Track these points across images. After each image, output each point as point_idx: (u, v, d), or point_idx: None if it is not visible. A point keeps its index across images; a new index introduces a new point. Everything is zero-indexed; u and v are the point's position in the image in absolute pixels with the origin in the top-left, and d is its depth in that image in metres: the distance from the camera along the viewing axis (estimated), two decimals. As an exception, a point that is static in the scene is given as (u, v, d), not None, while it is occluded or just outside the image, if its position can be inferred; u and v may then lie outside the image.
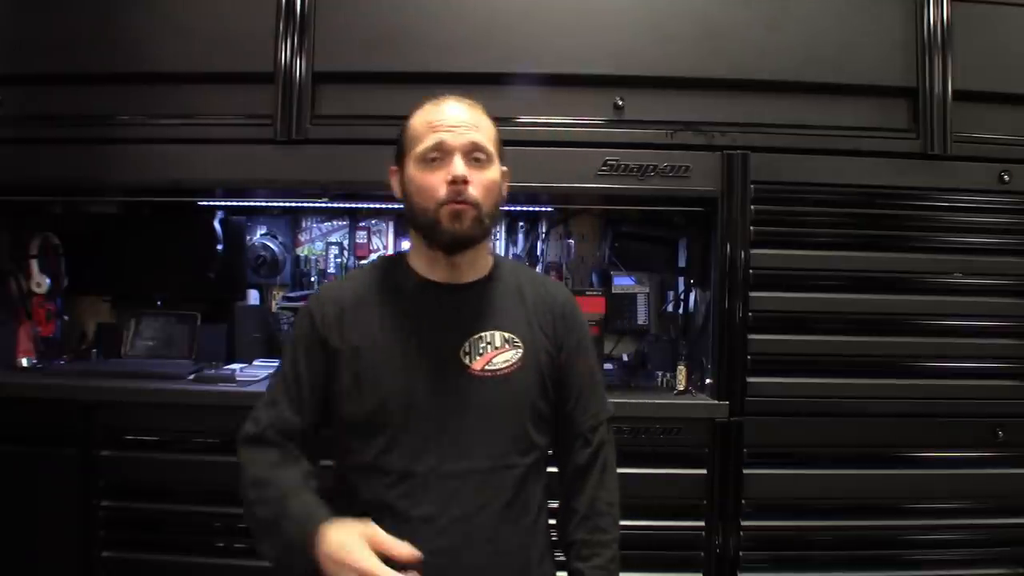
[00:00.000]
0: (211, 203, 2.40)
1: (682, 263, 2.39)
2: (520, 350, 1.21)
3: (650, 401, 2.05)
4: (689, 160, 2.04)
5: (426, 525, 1.14)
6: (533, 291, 1.28)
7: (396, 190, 1.26)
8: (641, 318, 2.42)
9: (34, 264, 2.33)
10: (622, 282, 2.42)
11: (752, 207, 2.04)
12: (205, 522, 1.99)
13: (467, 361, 1.19)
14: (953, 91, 2.07)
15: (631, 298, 2.42)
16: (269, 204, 2.45)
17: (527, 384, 1.21)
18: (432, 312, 1.22)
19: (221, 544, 1.99)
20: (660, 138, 2.05)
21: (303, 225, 2.57)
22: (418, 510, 1.15)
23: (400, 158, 1.23)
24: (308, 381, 1.21)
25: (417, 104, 1.24)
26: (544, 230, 2.52)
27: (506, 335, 1.21)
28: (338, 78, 2.07)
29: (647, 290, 2.42)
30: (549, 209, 2.47)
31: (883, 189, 2.07)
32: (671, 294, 2.45)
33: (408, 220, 1.24)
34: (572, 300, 1.32)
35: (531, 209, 2.47)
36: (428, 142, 1.17)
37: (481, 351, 1.20)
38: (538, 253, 2.51)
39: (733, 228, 2.04)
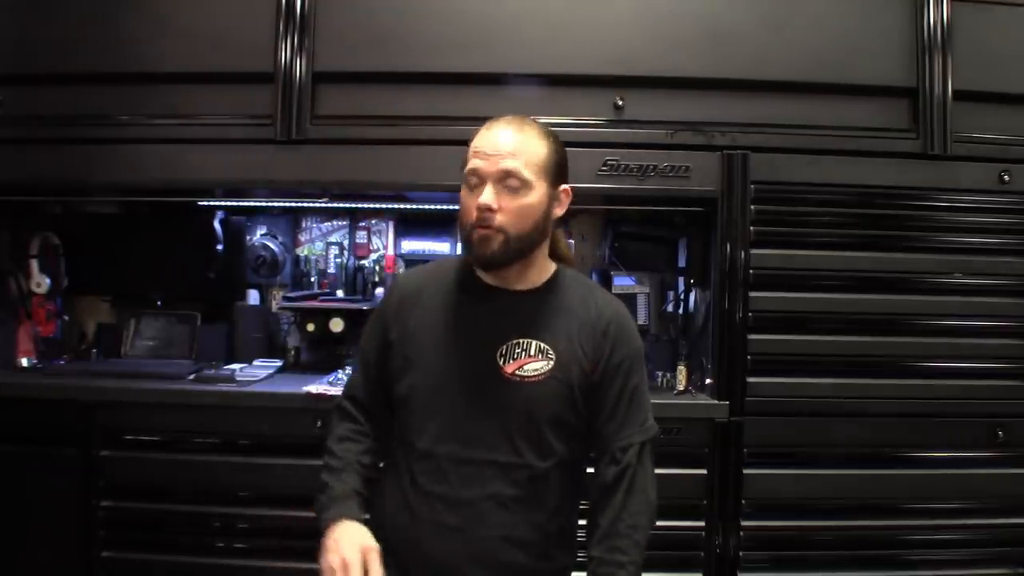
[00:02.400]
0: (211, 203, 2.40)
1: (682, 263, 2.39)
2: (552, 361, 1.26)
3: (650, 401, 2.04)
4: (689, 160, 2.04)
5: (441, 502, 1.24)
6: (583, 306, 1.31)
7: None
8: (641, 318, 2.41)
9: (34, 264, 2.33)
10: (622, 282, 2.42)
11: (752, 207, 2.04)
12: (205, 522, 1.99)
13: (501, 363, 1.26)
14: (953, 91, 2.07)
15: (631, 298, 2.41)
16: (269, 204, 2.46)
17: (553, 394, 1.25)
18: (479, 312, 1.30)
19: (221, 544, 1.99)
20: (660, 138, 2.05)
21: (303, 225, 2.57)
22: (436, 488, 1.24)
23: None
24: (374, 360, 1.35)
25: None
26: (544, 230, 2.52)
27: (542, 345, 1.27)
28: (338, 78, 2.07)
29: (647, 290, 2.42)
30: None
31: (883, 189, 2.07)
32: (671, 294, 2.45)
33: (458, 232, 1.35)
34: (620, 319, 1.33)
35: (531, 209, 2.46)
36: (469, 167, 1.25)
37: (516, 356, 1.26)
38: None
39: (733, 228, 2.04)
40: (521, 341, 1.27)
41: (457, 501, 1.23)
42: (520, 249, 1.25)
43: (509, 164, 1.21)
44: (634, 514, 1.27)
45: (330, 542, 1.19)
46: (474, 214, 1.22)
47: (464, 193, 1.26)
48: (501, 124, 1.26)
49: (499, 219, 1.21)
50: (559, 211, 1.31)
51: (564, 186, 1.31)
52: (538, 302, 1.31)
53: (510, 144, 1.23)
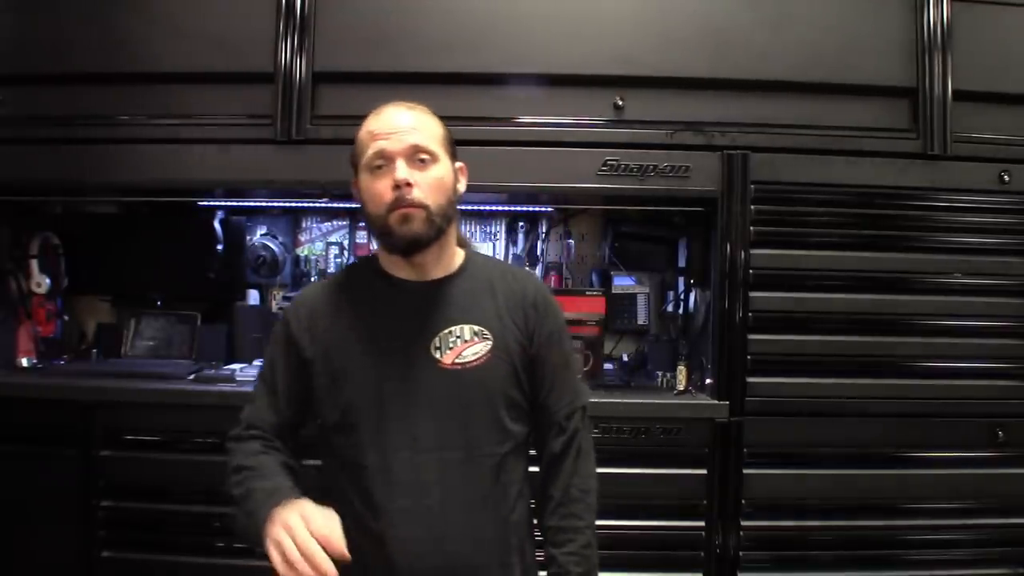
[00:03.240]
0: (211, 203, 2.40)
1: (682, 263, 2.39)
2: (489, 342, 1.24)
3: (650, 401, 2.05)
4: (689, 160, 2.04)
5: (405, 516, 1.18)
6: (503, 283, 1.30)
7: (357, 200, 1.29)
8: (641, 318, 2.42)
9: (34, 264, 2.33)
10: (622, 282, 2.42)
11: (752, 207, 2.04)
12: (205, 522, 1.99)
13: (437, 356, 1.22)
14: (953, 91, 2.07)
15: (631, 298, 2.42)
16: (269, 204, 2.45)
17: (498, 375, 1.24)
18: (401, 310, 1.25)
19: (221, 544, 1.99)
20: (660, 138, 2.05)
21: (303, 225, 2.57)
22: (396, 502, 1.18)
23: (355, 170, 1.27)
24: (284, 384, 1.27)
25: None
26: (544, 230, 2.52)
27: (475, 328, 1.24)
28: (338, 78, 2.07)
29: (647, 290, 2.42)
30: (549, 209, 2.47)
31: (883, 189, 2.07)
32: (671, 294, 2.45)
33: (368, 228, 1.26)
34: (543, 290, 1.34)
35: (531, 209, 2.47)
36: (371, 151, 1.21)
37: (451, 345, 1.22)
38: (538, 253, 2.51)
39: (733, 228, 2.04)
40: (454, 329, 1.23)
41: (422, 511, 1.18)
42: (440, 226, 1.22)
43: (415, 138, 1.20)
44: (584, 477, 1.28)
45: (279, 530, 1.03)
46: (388, 196, 1.18)
47: (368, 181, 1.22)
48: (391, 107, 1.25)
49: (417, 193, 1.18)
50: (462, 187, 1.30)
51: (460, 163, 1.30)
52: (459, 286, 1.28)
53: (410, 121, 1.22)
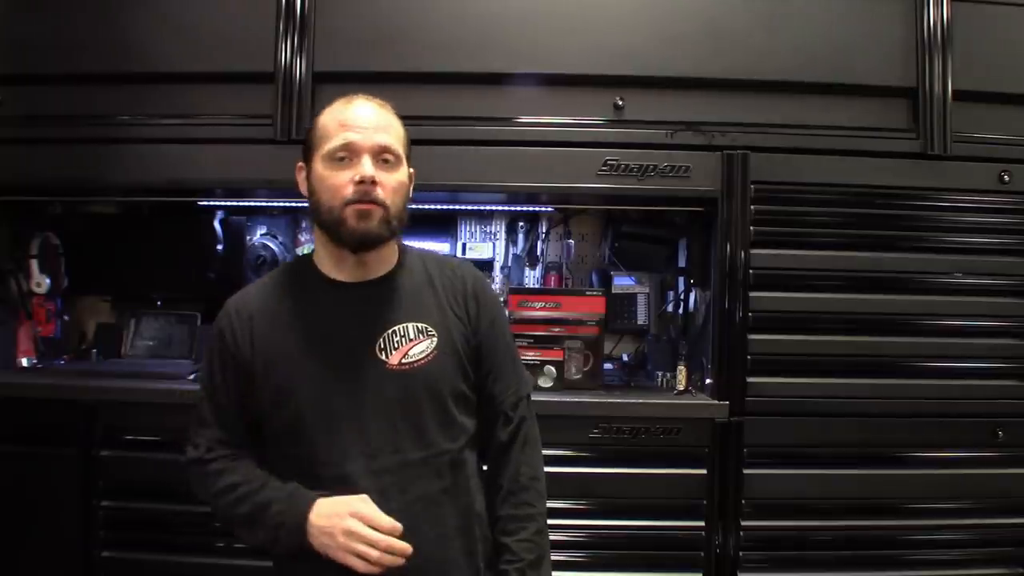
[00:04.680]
0: (211, 203, 2.40)
1: (682, 263, 2.39)
2: (435, 338, 1.23)
3: (650, 401, 2.05)
4: (689, 160, 2.04)
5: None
6: (441, 275, 1.29)
7: (302, 187, 1.26)
8: (641, 318, 2.42)
9: (34, 264, 2.32)
10: (622, 282, 2.42)
11: (752, 207, 2.04)
12: (205, 522, 1.98)
13: (383, 357, 1.20)
14: (953, 91, 2.06)
15: (631, 298, 2.42)
16: (269, 204, 2.45)
17: (446, 370, 1.23)
18: (342, 313, 1.23)
19: (221, 544, 1.99)
20: (660, 138, 2.05)
21: (303, 225, 2.57)
22: None
23: (308, 154, 1.24)
24: (227, 397, 1.24)
25: (328, 102, 1.26)
26: (544, 230, 2.52)
27: (419, 325, 1.23)
28: (338, 78, 2.06)
29: (647, 290, 2.42)
30: (549, 209, 2.47)
31: (883, 189, 2.07)
32: (671, 294, 2.45)
33: (313, 218, 1.25)
34: (480, 279, 1.34)
35: (531, 209, 2.47)
36: (337, 141, 1.18)
37: (396, 345, 1.21)
38: (538, 253, 2.51)
39: (733, 228, 2.04)
40: (397, 328, 1.21)
41: (389, 514, 1.15)
42: (394, 229, 1.22)
43: (385, 138, 1.19)
44: (533, 465, 1.28)
45: (321, 534, 1.10)
46: (348, 190, 1.16)
47: (325, 170, 1.19)
48: (363, 100, 1.23)
49: (380, 193, 1.17)
50: (410, 193, 1.29)
51: (412, 170, 1.29)
52: (398, 283, 1.26)
53: (380, 119, 1.21)
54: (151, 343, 2.44)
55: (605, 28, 2.05)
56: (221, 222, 2.48)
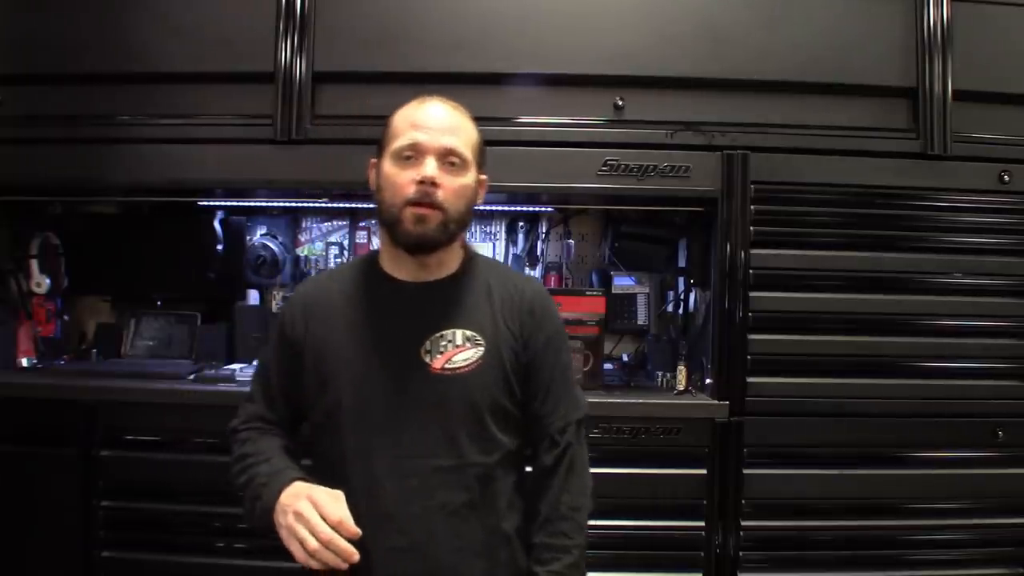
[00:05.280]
0: (211, 203, 2.40)
1: (682, 263, 2.39)
2: (482, 348, 1.21)
3: (650, 401, 2.05)
4: (689, 160, 2.04)
5: (386, 522, 1.16)
6: (501, 287, 1.27)
7: (372, 183, 1.26)
8: (641, 318, 2.42)
9: (34, 264, 2.32)
10: (622, 282, 2.42)
11: (752, 207, 2.04)
12: (205, 522, 1.99)
13: (427, 359, 1.19)
14: (953, 91, 2.06)
15: (631, 298, 2.42)
16: (269, 204, 2.45)
17: (488, 382, 1.20)
18: (395, 311, 1.22)
19: (221, 544, 1.99)
20: (660, 138, 2.05)
21: (303, 225, 2.57)
22: (379, 507, 1.16)
23: (379, 152, 1.24)
24: (277, 379, 1.27)
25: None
26: (544, 230, 2.52)
27: (468, 333, 1.21)
28: (338, 78, 2.07)
29: (647, 290, 2.43)
30: (549, 209, 2.47)
31: (883, 189, 2.07)
32: (671, 294, 2.45)
33: (377, 215, 1.24)
34: (542, 296, 1.30)
35: (531, 209, 2.47)
36: (404, 140, 1.18)
37: (442, 349, 1.19)
38: (538, 253, 2.51)
39: (733, 228, 2.04)
40: (445, 332, 1.20)
41: (405, 518, 1.16)
42: (454, 233, 1.20)
43: (452, 141, 1.18)
44: (575, 495, 1.23)
45: (279, 514, 1.06)
46: (410, 189, 1.16)
47: (392, 168, 1.19)
48: (436, 101, 1.22)
49: (441, 196, 1.16)
50: (480, 199, 1.28)
51: (483, 176, 1.28)
52: (455, 288, 1.25)
53: (451, 121, 1.20)
54: (151, 343, 2.45)
55: (605, 28, 2.05)
56: (221, 222, 2.48)
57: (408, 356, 1.19)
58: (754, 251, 2.04)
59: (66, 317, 2.47)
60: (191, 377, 2.14)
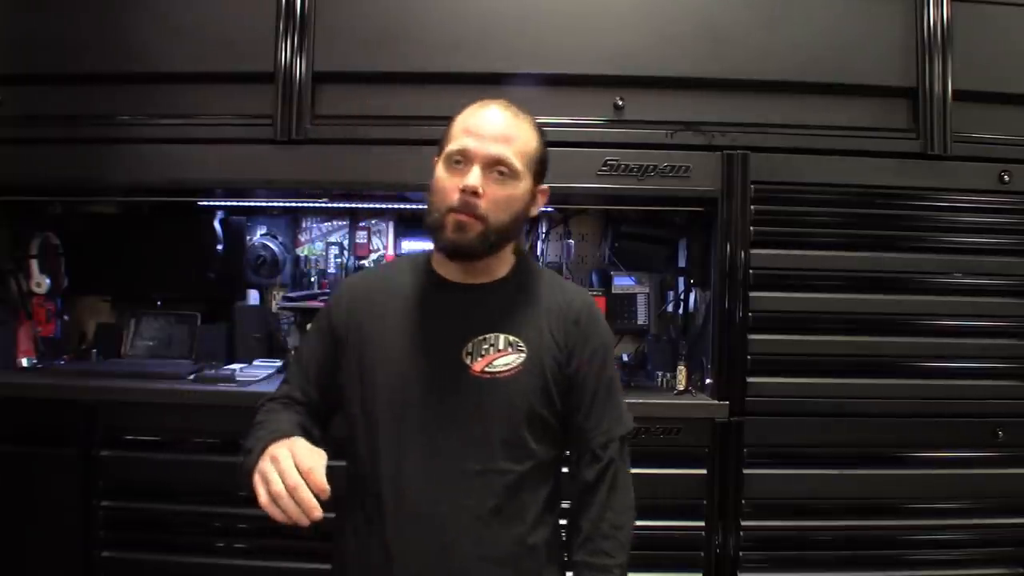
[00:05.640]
0: (211, 203, 2.40)
1: (682, 263, 2.39)
2: (523, 354, 1.18)
3: (650, 401, 2.05)
4: (689, 160, 2.04)
5: (412, 522, 1.15)
6: (550, 296, 1.24)
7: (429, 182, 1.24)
8: (641, 318, 2.42)
9: (34, 264, 2.33)
10: (622, 282, 2.42)
11: (752, 207, 2.04)
12: (205, 522, 1.99)
13: (468, 361, 1.17)
14: (953, 91, 2.07)
15: (631, 298, 2.42)
16: (269, 204, 2.45)
17: (527, 389, 1.18)
18: (441, 310, 1.21)
19: (221, 544, 1.99)
20: (660, 138, 2.05)
21: (303, 225, 2.57)
22: (406, 506, 1.15)
23: (440, 153, 1.21)
24: (315, 366, 1.26)
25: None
26: (544, 230, 2.52)
27: (511, 338, 1.19)
28: (338, 78, 2.07)
29: (647, 290, 2.43)
30: (549, 209, 2.47)
31: (883, 189, 2.07)
32: (671, 294, 2.45)
33: (424, 216, 1.22)
34: (590, 308, 1.27)
35: (531, 209, 2.46)
36: (455, 145, 1.16)
37: (483, 352, 1.18)
38: (538, 253, 2.51)
39: (733, 228, 2.04)
40: (488, 336, 1.18)
41: (430, 519, 1.14)
42: (495, 243, 1.17)
43: (501, 150, 1.15)
44: (618, 513, 1.21)
45: (267, 462, 1.00)
46: (453, 196, 1.13)
47: (443, 173, 1.17)
48: (496, 107, 1.19)
49: (482, 206, 1.13)
50: (535, 210, 1.26)
51: (544, 185, 1.26)
52: (503, 293, 1.23)
53: (505, 129, 1.17)
54: (151, 343, 2.45)
55: (605, 28, 2.05)
56: (221, 222, 2.48)
57: (450, 356, 1.18)
58: (754, 251, 2.04)
59: (66, 317, 2.47)
60: (191, 377, 2.14)
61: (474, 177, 1.13)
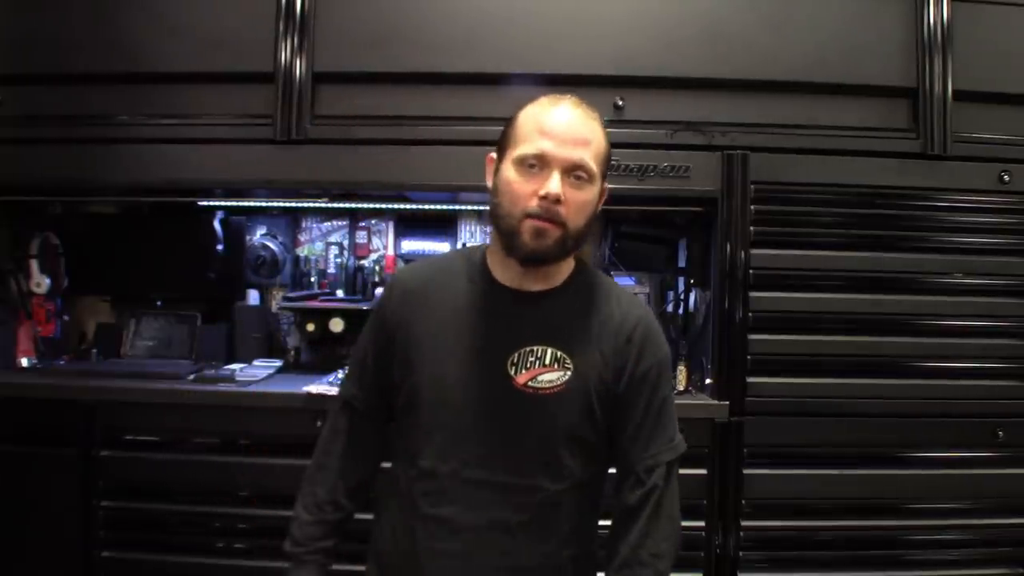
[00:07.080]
0: (211, 203, 2.40)
1: (682, 263, 2.39)
2: (569, 372, 1.14)
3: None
4: (689, 160, 2.04)
5: (442, 527, 1.14)
6: (605, 307, 1.19)
7: (488, 180, 1.19)
8: (641, 318, 2.41)
9: (34, 264, 2.33)
10: (622, 282, 2.42)
11: (752, 207, 2.04)
12: (205, 522, 1.99)
13: (512, 372, 1.13)
14: (953, 91, 2.06)
15: (631, 298, 2.41)
16: (269, 204, 2.45)
17: (569, 408, 1.14)
18: (491, 314, 1.17)
19: (221, 544, 1.99)
20: (660, 138, 2.05)
21: (303, 225, 2.57)
22: (437, 511, 1.14)
23: (501, 149, 1.16)
24: (371, 359, 1.24)
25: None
26: (544, 230, 2.51)
27: (558, 353, 1.14)
28: (338, 78, 2.07)
29: (647, 290, 2.42)
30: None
31: (883, 189, 2.07)
32: (671, 294, 2.45)
33: (490, 217, 1.17)
34: (647, 324, 1.20)
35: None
36: (530, 147, 1.09)
37: (529, 365, 1.13)
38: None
39: (733, 228, 2.04)
40: (535, 348, 1.13)
41: (459, 526, 1.12)
42: (570, 249, 1.13)
43: (581, 155, 1.10)
44: (658, 541, 1.14)
45: None
46: (532, 202, 1.07)
47: (513, 175, 1.10)
48: (570, 106, 1.13)
49: (564, 212, 1.08)
50: (598, 211, 1.19)
51: (606, 184, 1.20)
52: (557, 303, 1.17)
53: (583, 131, 1.11)
54: (151, 343, 2.45)
55: (605, 28, 2.05)
56: (221, 222, 2.48)
57: (494, 364, 1.14)
58: (754, 251, 2.04)
59: (66, 317, 2.47)
60: (191, 377, 2.14)
61: (555, 184, 1.07)
